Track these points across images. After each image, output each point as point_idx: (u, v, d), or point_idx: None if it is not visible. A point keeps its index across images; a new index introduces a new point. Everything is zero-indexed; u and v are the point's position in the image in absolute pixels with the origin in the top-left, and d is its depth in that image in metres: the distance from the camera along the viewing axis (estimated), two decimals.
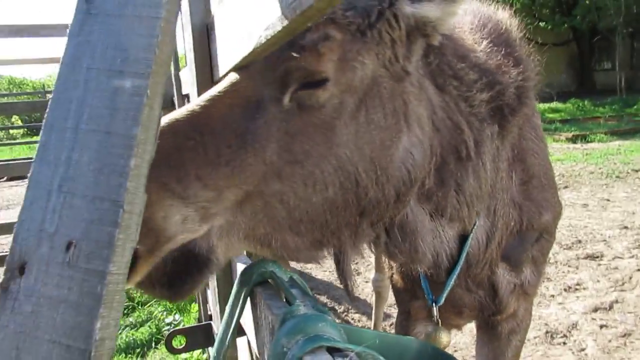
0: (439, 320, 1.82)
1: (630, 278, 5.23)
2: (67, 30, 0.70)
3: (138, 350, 4.49)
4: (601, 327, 4.37)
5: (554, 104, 21.69)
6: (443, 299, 1.76)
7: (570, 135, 14.29)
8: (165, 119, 1.09)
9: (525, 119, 1.80)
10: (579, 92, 26.56)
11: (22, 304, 0.73)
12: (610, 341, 4.15)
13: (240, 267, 1.39)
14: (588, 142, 13.75)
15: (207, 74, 1.55)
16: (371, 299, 4.74)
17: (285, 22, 0.79)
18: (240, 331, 1.62)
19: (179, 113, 1.12)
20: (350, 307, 5.07)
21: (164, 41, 0.65)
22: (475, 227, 1.64)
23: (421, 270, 1.67)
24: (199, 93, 1.54)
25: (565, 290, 5.10)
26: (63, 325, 0.73)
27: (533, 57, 1.75)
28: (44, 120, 0.69)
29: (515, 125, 1.70)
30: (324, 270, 5.95)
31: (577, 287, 5.15)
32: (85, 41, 0.64)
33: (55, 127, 0.66)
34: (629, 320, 4.45)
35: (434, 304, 1.80)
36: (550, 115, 19.37)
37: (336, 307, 5.07)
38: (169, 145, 1.03)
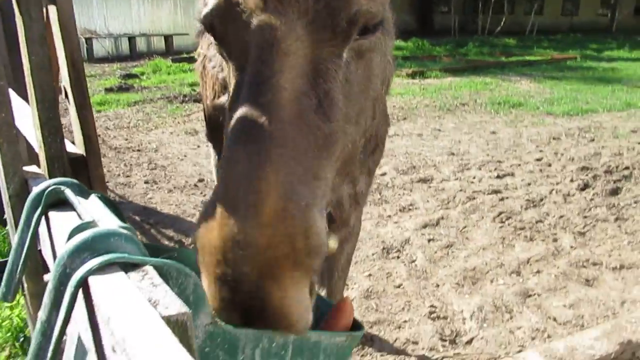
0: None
1: (454, 197, 5.86)
2: None
3: None
4: (429, 240, 4.87)
5: (397, 42, 22.89)
6: None
7: (410, 71, 15.26)
8: (281, 103, 1.01)
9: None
10: (419, 32, 28.32)
11: None
12: (435, 252, 4.65)
13: (33, 191, 1.18)
14: (425, 78, 14.83)
15: None
16: None
17: None
18: (46, 266, 1.42)
19: (280, 99, 1.01)
20: None
21: None
22: None
23: None
24: None
25: (400, 210, 5.55)
26: None
27: None
28: None
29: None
30: (170, 204, 5.70)
31: (411, 207, 5.64)
32: None
33: None
34: (451, 233, 5.02)
35: None
36: (394, 52, 20.41)
37: (183, 239, 4.92)
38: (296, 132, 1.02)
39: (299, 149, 0.99)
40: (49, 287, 0.76)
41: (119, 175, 6.73)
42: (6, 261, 1.68)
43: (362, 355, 3.32)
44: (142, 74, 15.92)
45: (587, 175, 6.48)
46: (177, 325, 0.68)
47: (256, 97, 1.00)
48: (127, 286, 0.72)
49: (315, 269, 0.99)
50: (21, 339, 3.45)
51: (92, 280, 0.74)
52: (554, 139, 8.36)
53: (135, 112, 10.45)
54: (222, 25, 1.15)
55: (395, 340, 3.46)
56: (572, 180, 6.33)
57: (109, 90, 12.87)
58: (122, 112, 10.55)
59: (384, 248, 4.69)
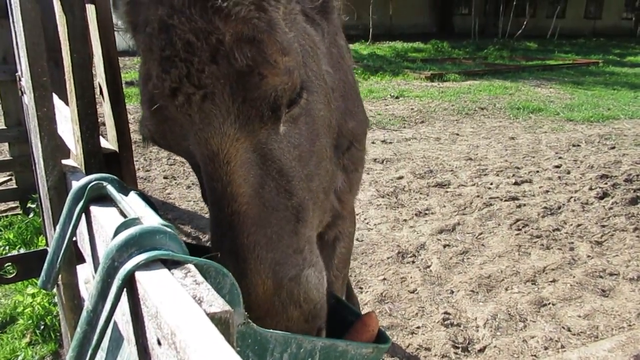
0: None
1: (471, 203, 5.84)
2: None
3: None
4: (444, 246, 4.86)
5: (417, 44, 22.81)
6: None
7: (429, 74, 15.20)
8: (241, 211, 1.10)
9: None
10: (439, 34, 28.16)
11: None
12: (451, 258, 4.64)
13: (75, 185, 1.22)
14: (444, 81, 14.77)
15: None
16: None
17: None
18: (81, 258, 1.46)
19: (238, 204, 1.10)
20: None
21: None
22: None
23: None
24: None
25: (416, 215, 5.55)
26: None
27: None
28: None
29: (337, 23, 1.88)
30: (188, 200, 5.77)
31: (427, 212, 5.64)
32: None
33: None
34: (467, 239, 5.01)
35: None
36: (413, 54, 20.37)
37: (200, 237, 4.98)
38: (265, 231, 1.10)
39: (272, 240, 1.09)
40: (97, 278, 0.80)
41: (138, 169, 6.81)
42: (40, 250, 1.74)
43: None
44: None
45: (606, 183, 6.41)
46: (220, 322, 0.71)
47: (219, 213, 1.10)
48: (172, 283, 0.76)
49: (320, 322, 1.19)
50: (42, 327, 3.53)
51: (138, 275, 0.77)
52: (573, 145, 8.29)
53: None
54: (163, 139, 1.21)
55: (407, 346, 3.47)
56: (591, 189, 6.27)
57: (129, 84, 13.01)
58: None
59: (399, 252, 4.70)
